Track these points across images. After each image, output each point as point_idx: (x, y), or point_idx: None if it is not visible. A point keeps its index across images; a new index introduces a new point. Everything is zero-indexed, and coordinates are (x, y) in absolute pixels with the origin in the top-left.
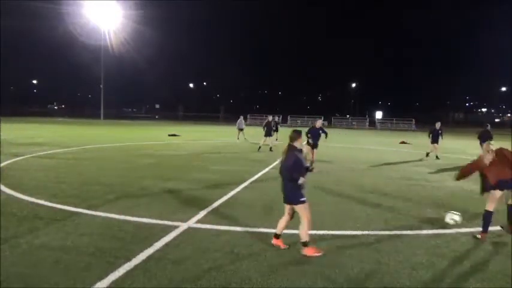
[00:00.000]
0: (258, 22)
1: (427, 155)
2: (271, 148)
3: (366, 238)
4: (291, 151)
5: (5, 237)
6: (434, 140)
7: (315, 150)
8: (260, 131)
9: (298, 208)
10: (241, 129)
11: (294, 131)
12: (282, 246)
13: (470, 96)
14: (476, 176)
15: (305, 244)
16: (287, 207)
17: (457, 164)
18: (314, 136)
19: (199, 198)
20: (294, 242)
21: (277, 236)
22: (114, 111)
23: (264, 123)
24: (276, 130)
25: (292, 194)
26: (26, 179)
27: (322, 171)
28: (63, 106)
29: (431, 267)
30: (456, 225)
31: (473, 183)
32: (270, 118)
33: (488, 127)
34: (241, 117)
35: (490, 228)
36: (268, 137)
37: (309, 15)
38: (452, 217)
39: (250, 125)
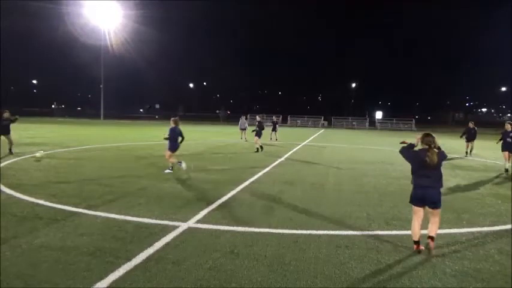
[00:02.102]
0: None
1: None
2: (260, 148)
3: (366, 238)
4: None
5: (5, 237)
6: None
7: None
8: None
9: (438, 211)
10: (243, 129)
11: (430, 134)
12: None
13: (470, 96)
14: (476, 176)
15: (433, 239)
16: (421, 210)
17: (457, 164)
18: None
19: (199, 198)
20: (294, 242)
21: (418, 243)
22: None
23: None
24: (275, 130)
25: (440, 198)
26: (26, 179)
27: (322, 171)
28: (63, 106)
29: (432, 267)
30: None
31: (473, 183)
32: (258, 118)
33: (472, 124)
34: (243, 118)
35: (491, 228)
36: (258, 138)
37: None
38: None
39: (250, 124)
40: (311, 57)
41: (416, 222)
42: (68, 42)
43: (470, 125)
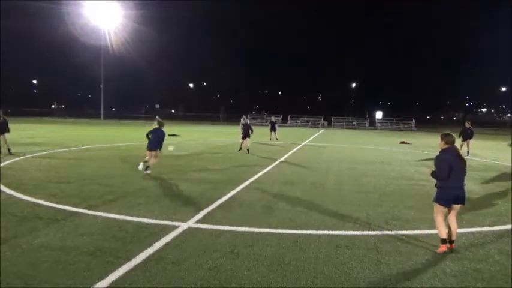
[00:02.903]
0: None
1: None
2: (248, 150)
3: (365, 238)
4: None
5: (5, 237)
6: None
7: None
8: (259, 131)
9: (459, 207)
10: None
11: (450, 134)
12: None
13: (470, 96)
14: (476, 175)
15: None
16: (444, 210)
17: None
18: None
19: (199, 198)
20: (294, 242)
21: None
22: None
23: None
24: (274, 130)
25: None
26: (26, 179)
27: (322, 171)
28: (63, 106)
29: (432, 267)
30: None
31: (472, 183)
32: (243, 121)
33: (468, 124)
34: (245, 117)
35: (491, 228)
36: (246, 139)
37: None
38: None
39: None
40: (311, 57)
41: (443, 221)
42: (68, 42)
43: (467, 124)
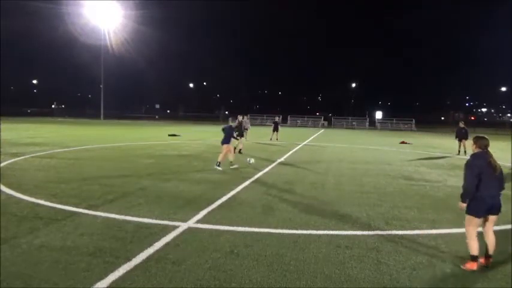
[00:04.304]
0: (258, 22)
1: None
2: (240, 150)
3: (365, 238)
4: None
5: (5, 237)
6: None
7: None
8: (257, 130)
9: (496, 218)
10: (245, 129)
11: (484, 137)
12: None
13: (470, 96)
14: None
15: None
16: (478, 221)
17: (456, 164)
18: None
19: (199, 198)
20: (294, 242)
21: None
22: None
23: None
24: (277, 130)
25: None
26: (26, 179)
27: (322, 171)
28: (63, 106)
29: (432, 267)
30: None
31: None
32: (240, 118)
33: (462, 124)
34: (245, 118)
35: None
36: (240, 138)
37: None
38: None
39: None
40: (311, 57)
41: (475, 234)
42: (68, 42)
43: (461, 124)
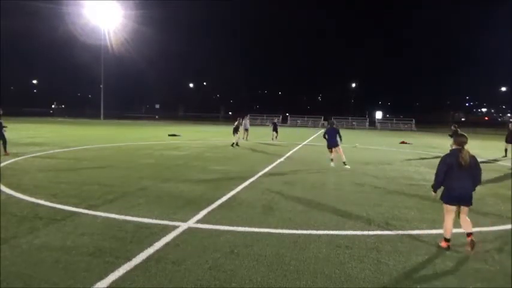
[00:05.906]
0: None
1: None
2: (233, 144)
3: (365, 238)
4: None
5: (5, 237)
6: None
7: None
8: (257, 130)
9: (467, 210)
10: (246, 130)
11: (463, 135)
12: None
13: (470, 96)
14: None
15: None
16: (454, 208)
17: None
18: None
19: (199, 198)
20: (294, 242)
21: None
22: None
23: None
24: (276, 130)
25: (472, 196)
26: (26, 179)
27: (322, 171)
28: (63, 106)
29: (432, 267)
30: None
31: None
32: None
33: (454, 128)
34: (246, 118)
35: (491, 228)
36: (236, 134)
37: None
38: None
39: (250, 124)
40: (311, 57)
41: (450, 220)
42: (68, 42)
43: (453, 127)
